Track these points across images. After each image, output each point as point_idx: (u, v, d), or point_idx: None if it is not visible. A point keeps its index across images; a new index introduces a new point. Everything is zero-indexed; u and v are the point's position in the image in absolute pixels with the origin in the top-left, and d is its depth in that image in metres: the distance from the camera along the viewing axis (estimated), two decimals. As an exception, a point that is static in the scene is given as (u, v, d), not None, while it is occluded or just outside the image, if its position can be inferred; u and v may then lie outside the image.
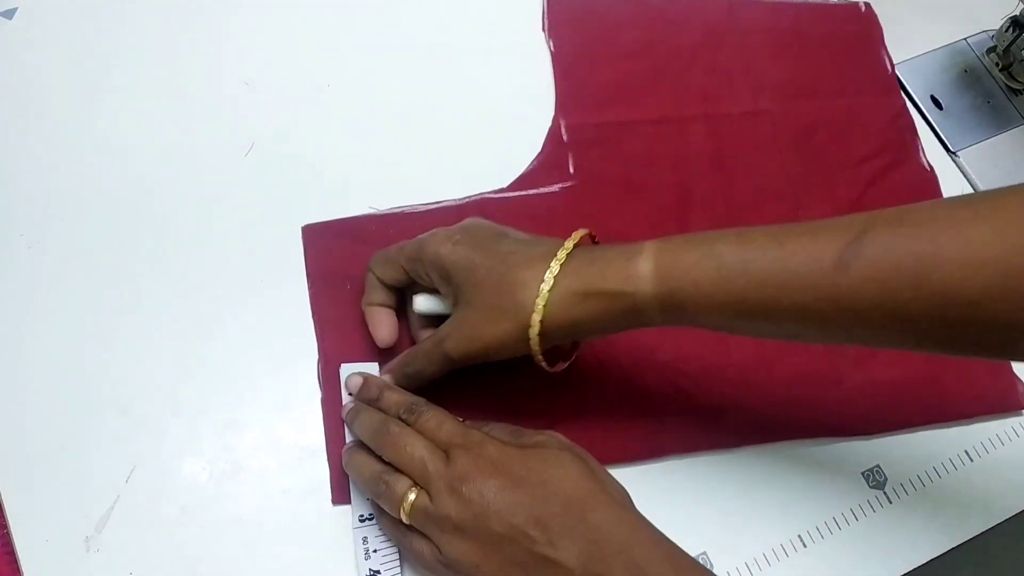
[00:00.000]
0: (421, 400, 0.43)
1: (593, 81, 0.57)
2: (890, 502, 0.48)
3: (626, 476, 0.47)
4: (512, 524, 0.37)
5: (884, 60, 0.61)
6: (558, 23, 0.58)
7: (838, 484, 0.49)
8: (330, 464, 0.45)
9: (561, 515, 0.37)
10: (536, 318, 0.39)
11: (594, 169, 0.54)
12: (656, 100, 0.56)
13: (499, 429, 0.43)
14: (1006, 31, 0.61)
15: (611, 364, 0.49)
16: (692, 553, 0.45)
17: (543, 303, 0.39)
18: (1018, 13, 0.60)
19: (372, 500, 0.43)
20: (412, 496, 0.39)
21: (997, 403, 0.51)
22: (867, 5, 0.62)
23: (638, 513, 0.39)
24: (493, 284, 0.40)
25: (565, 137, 0.54)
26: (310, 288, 0.48)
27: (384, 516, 0.42)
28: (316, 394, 0.46)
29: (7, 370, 0.46)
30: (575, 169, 0.54)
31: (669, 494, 0.46)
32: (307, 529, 0.44)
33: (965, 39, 0.64)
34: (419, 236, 0.45)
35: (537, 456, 0.40)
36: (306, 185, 0.52)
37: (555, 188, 0.53)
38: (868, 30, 0.62)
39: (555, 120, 0.55)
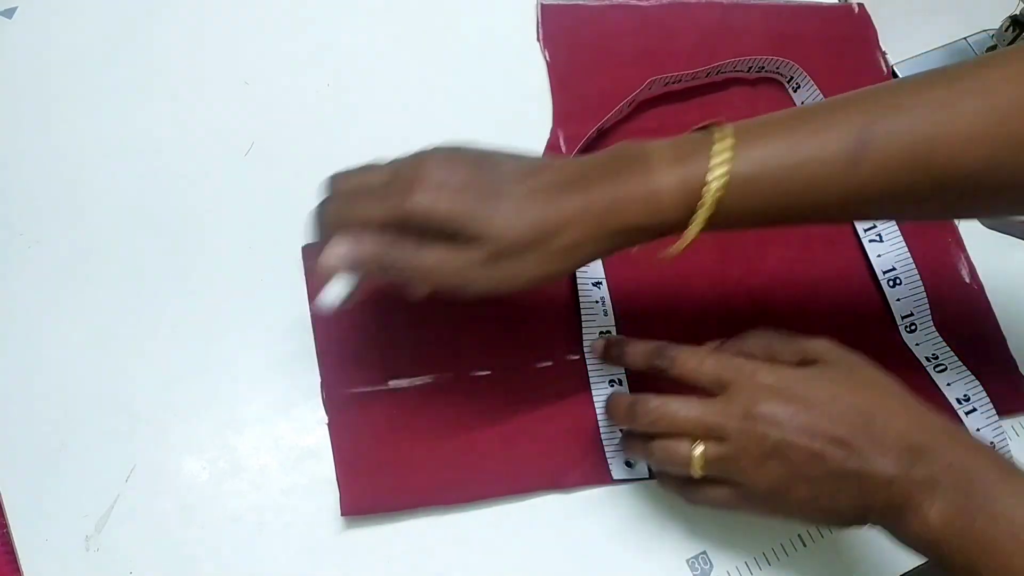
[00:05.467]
0: (664, 343, 0.42)
1: (590, 90, 0.56)
2: (890, 502, 0.48)
3: (626, 476, 0.47)
4: (813, 448, 0.37)
5: (879, 61, 0.61)
6: (552, 33, 0.57)
7: (838, 484, 0.49)
8: (340, 486, 0.44)
9: (863, 427, 0.37)
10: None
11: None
12: (653, 107, 0.56)
13: (757, 340, 0.42)
14: (1006, 30, 0.61)
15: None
16: (692, 553, 0.45)
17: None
18: (1018, 12, 0.60)
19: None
20: (698, 450, 0.38)
21: (1002, 404, 0.51)
22: (860, 6, 0.62)
23: (931, 410, 0.39)
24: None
25: (564, 148, 0.54)
26: (312, 311, 0.48)
27: (667, 480, 0.43)
28: (316, 394, 0.46)
29: (7, 370, 0.46)
30: None
31: (670, 493, 0.46)
32: (307, 529, 0.44)
33: (965, 38, 0.64)
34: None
35: (816, 373, 0.39)
36: (306, 184, 0.51)
37: None
38: (862, 31, 0.61)
39: (553, 131, 0.54)
